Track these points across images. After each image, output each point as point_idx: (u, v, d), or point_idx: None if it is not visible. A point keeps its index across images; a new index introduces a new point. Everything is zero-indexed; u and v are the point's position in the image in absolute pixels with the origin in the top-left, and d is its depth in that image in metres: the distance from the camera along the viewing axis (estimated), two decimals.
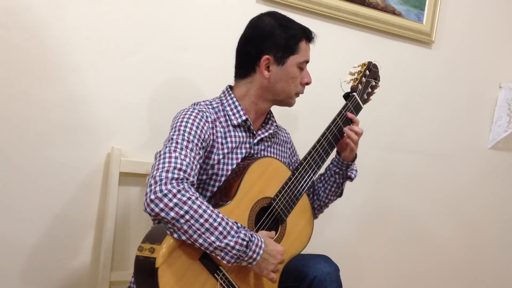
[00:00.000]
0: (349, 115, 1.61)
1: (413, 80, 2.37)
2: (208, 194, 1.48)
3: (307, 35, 1.55)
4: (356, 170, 1.70)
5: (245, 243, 1.28)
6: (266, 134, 1.58)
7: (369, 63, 1.70)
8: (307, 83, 1.58)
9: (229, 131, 1.51)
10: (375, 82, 1.70)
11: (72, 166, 1.70)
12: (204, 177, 1.47)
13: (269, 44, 1.50)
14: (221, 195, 1.45)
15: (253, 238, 1.31)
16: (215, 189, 1.48)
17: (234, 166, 1.49)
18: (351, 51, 2.17)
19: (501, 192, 2.68)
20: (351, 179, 1.68)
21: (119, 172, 1.73)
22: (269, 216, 1.45)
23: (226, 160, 1.49)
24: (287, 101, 1.58)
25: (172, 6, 1.83)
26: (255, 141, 1.56)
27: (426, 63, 2.39)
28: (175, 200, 1.24)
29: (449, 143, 2.50)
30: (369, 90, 1.70)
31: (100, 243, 1.74)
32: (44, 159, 1.67)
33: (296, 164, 1.53)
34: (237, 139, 1.52)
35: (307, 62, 1.57)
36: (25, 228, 1.66)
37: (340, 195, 1.71)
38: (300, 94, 1.59)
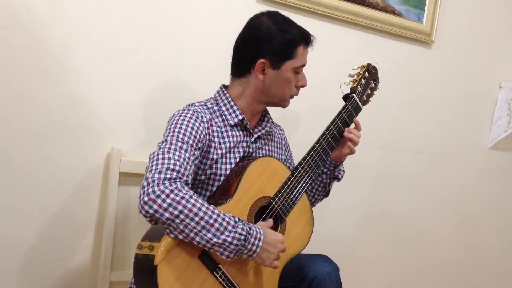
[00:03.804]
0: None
1: (413, 80, 2.37)
2: (208, 193, 1.48)
3: (305, 40, 1.51)
4: (343, 171, 1.70)
5: (243, 237, 1.28)
6: (263, 131, 1.58)
7: (369, 65, 1.70)
8: (302, 86, 1.56)
9: (226, 130, 1.51)
10: (375, 84, 1.71)
11: (72, 166, 1.71)
12: (203, 177, 1.47)
13: (266, 48, 1.48)
14: (220, 193, 1.45)
15: (251, 231, 1.30)
16: (214, 188, 1.48)
17: (233, 165, 1.49)
18: (351, 51, 2.17)
19: (501, 192, 2.68)
20: (338, 179, 1.69)
21: (119, 172, 1.73)
22: (269, 215, 1.45)
23: (224, 160, 1.49)
24: (281, 104, 1.57)
25: (171, 7, 1.84)
26: (253, 139, 1.56)
27: (426, 63, 2.39)
28: (168, 201, 1.24)
29: (449, 143, 2.50)
30: (369, 91, 1.70)
31: (100, 243, 1.74)
32: (44, 159, 1.67)
33: (296, 164, 1.53)
34: (235, 139, 1.52)
35: (303, 66, 1.54)
36: (25, 228, 1.66)
37: (327, 194, 1.71)
38: (294, 96, 1.58)
